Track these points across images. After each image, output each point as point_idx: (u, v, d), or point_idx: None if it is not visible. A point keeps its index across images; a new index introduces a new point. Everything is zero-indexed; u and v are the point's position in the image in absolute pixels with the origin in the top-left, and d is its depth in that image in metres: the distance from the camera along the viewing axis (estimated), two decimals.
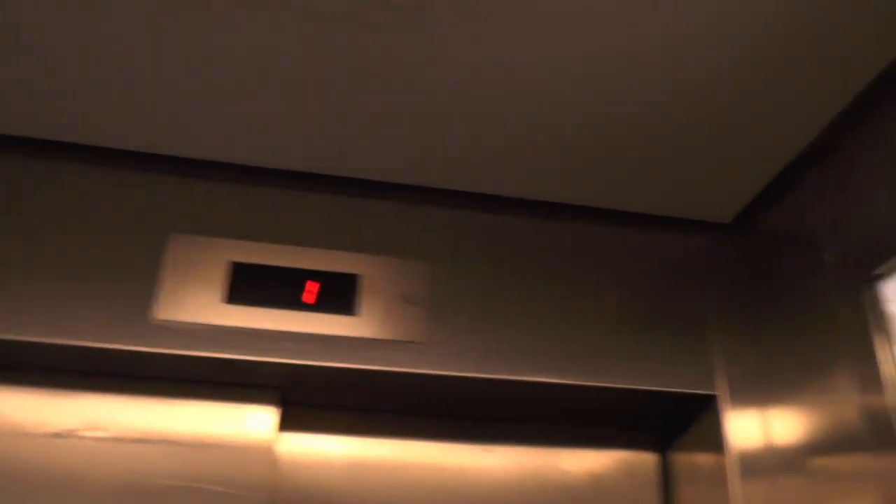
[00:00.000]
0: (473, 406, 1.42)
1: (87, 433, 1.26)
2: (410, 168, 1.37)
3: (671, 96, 1.17)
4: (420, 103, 1.20)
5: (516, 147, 1.30)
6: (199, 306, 1.25)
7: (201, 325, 1.23)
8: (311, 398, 1.38)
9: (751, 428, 1.31)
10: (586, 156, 1.32)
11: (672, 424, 1.46)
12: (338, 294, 1.30)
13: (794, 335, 1.29)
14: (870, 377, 1.10)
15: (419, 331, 1.30)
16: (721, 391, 1.34)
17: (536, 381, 1.30)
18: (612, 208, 1.48)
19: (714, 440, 1.32)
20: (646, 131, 1.25)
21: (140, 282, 1.25)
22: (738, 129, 1.24)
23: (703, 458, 1.36)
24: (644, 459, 1.49)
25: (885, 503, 1.05)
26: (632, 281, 1.43)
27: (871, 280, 1.12)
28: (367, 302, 1.31)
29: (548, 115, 1.22)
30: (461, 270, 1.38)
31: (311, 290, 1.30)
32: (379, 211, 1.41)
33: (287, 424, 1.38)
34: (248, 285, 1.28)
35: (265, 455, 1.29)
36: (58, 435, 1.25)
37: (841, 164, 1.24)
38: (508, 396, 1.37)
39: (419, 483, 1.40)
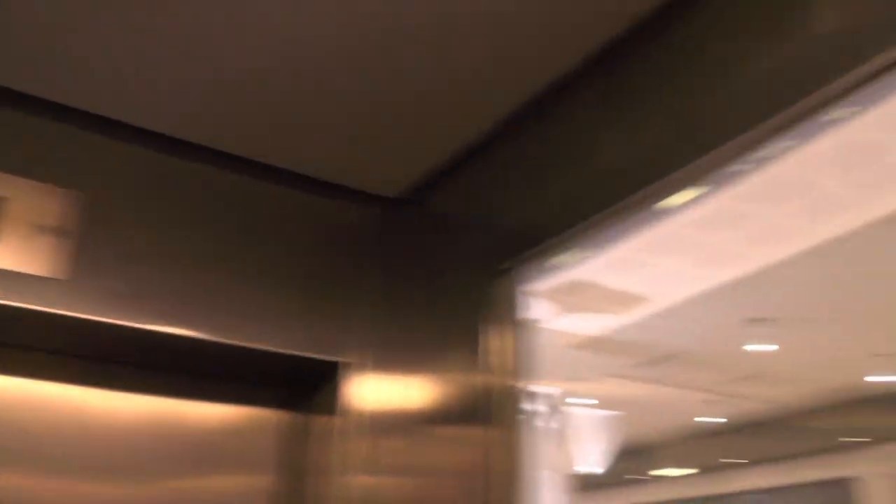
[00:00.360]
0: (113, 351, 1.36)
1: None
2: (76, 89, 1.25)
3: (347, 66, 1.21)
4: (103, 23, 1.09)
5: (191, 90, 1.25)
6: None
7: None
8: None
9: (375, 394, 1.45)
10: (261, 111, 1.32)
11: (303, 386, 1.54)
12: None
13: (428, 314, 1.44)
14: (483, 360, 1.28)
15: (60, 266, 1.20)
16: (352, 359, 1.45)
17: (177, 334, 1.29)
18: (282, 167, 1.49)
19: (339, 404, 1.43)
20: (326, 100, 1.29)
21: None
22: (409, 113, 1.33)
23: (327, 420, 1.47)
24: (272, 417, 1.55)
25: (472, 467, 1.24)
26: (288, 244, 1.47)
27: (501, 272, 1.30)
28: (4, 228, 1.17)
29: (224, 64, 1.20)
30: (118, 207, 1.29)
31: None
32: (31, 128, 1.26)
33: None
34: None
35: None
36: None
37: (500, 161, 1.39)
38: (150, 345, 1.33)
39: (52, 424, 1.32)
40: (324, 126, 1.37)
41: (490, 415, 1.23)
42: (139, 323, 1.25)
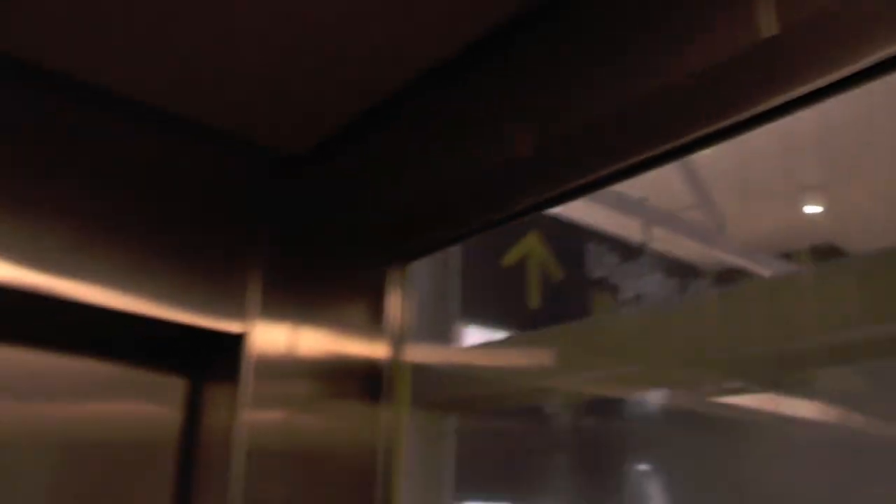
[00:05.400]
0: None
1: None
2: None
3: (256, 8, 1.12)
4: None
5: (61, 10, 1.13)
6: None
7: None
8: None
9: (269, 364, 1.38)
10: (152, 45, 1.20)
11: (197, 355, 1.46)
12: None
13: (325, 282, 1.39)
14: (377, 331, 1.24)
15: None
16: (249, 328, 1.38)
17: (44, 294, 1.19)
18: (176, 113, 1.37)
19: (234, 373, 1.36)
20: (228, 44, 1.19)
21: None
22: (315, 67, 1.25)
23: (225, 389, 1.40)
24: (166, 381, 1.46)
25: (364, 443, 1.20)
26: (181, 199, 1.37)
27: (398, 242, 1.25)
28: None
29: None
30: None
31: None
32: None
33: None
34: None
35: None
36: None
37: (405, 126, 1.32)
38: (14, 299, 1.22)
39: None
40: (224, 70, 1.26)
41: (382, 387, 1.20)
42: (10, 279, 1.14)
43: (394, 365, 1.18)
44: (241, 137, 1.45)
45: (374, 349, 1.21)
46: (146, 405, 1.43)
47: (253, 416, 1.32)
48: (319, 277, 1.41)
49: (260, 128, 1.44)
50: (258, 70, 1.25)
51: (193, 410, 1.43)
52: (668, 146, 0.91)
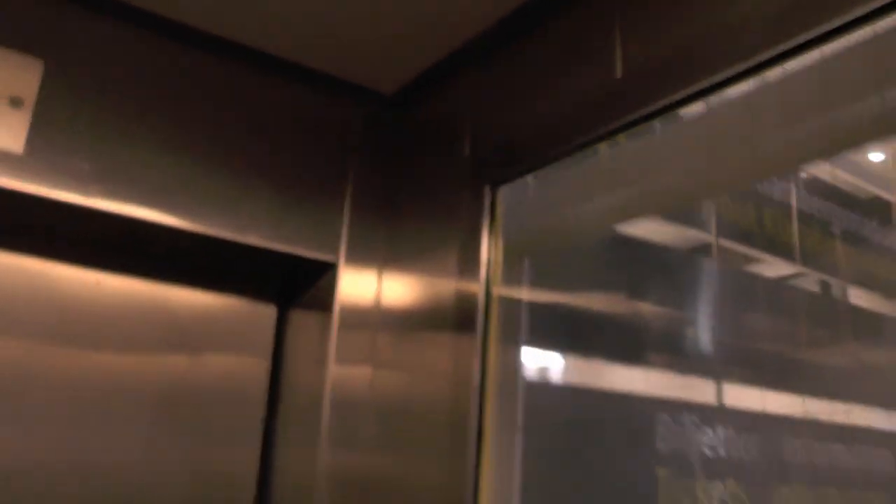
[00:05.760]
0: (82, 232, 1.28)
1: None
2: None
3: None
4: None
5: None
6: None
7: None
8: None
9: (362, 294, 1.38)
10: None
11: (292, 283, 1.48)
12: None
13: (421, 218, 1.36)
14: (470, 269, 1.21)
15: (18, 140, 1.10)
16: (341, 259, 1.38)
17: (145, 220, 1.21)
18: (269, 53, 1.38)
19: (327, 301, 1.37)
20: None
21: None
22: (408, 7, 1.22)
23: (315, 316, 1.41)
24: (262, 311, 1.49)
25: (451, 374, 1.18)
26: (278, 136, 1.38)
27: (493, 182, 1.22)
28: None
29: None
30: (84, 81, 1.19)
31: None
32: None
33: None
34: None
35: None
36: None
37: (503, 66, 1.28)
38: (119, 229, 1.25)
39: (17, 304, 1.25)
40: (316, 13, 1.25)
41: (474, 322, 1.17)
42: (101, 204, 1.16)
43: (487, 298, 1.15)
44: (338, 79, 1.45)
45: (470, 287, 1.18)
46: (240, 333, 1.46)
47: (352, 342, 1.33)
48: (410, 211, 1.39)
49: (356, 69, 1.42)
50: (354, 11, 1.22)
51: (282, 337, 1.47)
52: (750, 65, 0.86)
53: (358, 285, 1.38)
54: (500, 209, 1.20)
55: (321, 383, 1.30)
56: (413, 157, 1.44)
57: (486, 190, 1.20)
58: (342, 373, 1.31)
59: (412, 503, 1.19)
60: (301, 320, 1.45)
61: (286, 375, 1.44)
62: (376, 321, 1.36)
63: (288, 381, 1.43)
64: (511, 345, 1.22)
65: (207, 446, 1.37)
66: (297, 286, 1.46)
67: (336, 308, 1.34)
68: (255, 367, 1.44)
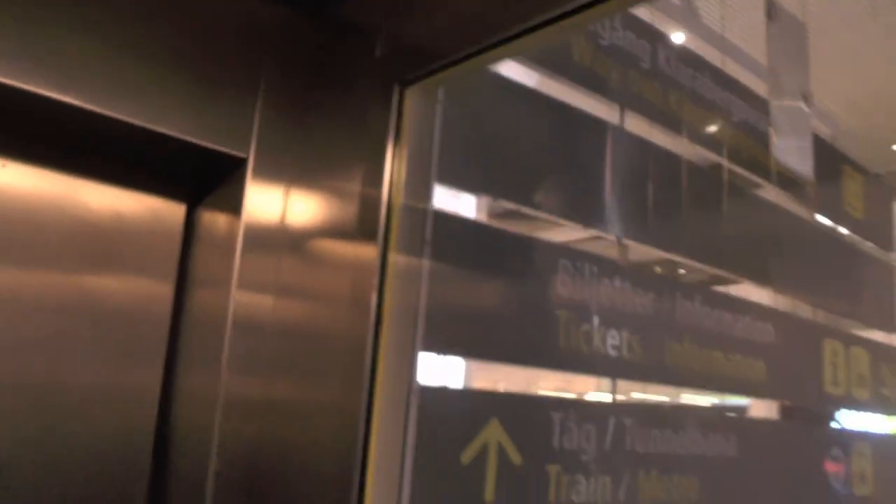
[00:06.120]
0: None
1: None
2: None
3: None
4: None
5: None
6: None
7: None
8: None
9: (269, 201, 1.33)
10: None
11: (202, 180, 1.42)
12: None
13: (331, 123, 1.30)
14: (373, 176, 1.15)
15: None
16: (252, 156, 1.32)
17: (64, 102, 1.15)
18: None
19: (235, 203, 1.32)
20: None
21: None
22: None
23: (222, 220, 1.36)
24: (170, 209, 1.44)
25: (353, 284, 1.14)
26: (196, 27, 1.30)
27: (401, 82, 1.14)
28: None
29: None
30: None
31: None
32: None
33: None
34: None
35: None
36: None
37: None
38: (41, 112, 1.20)
39: None
40: None
41: (375, 235, 1.12)
42: (25, 84, 1.11)
43: (388, 210, 1.10)
44: None
45: (369, 191, 1.12)
46: (149, 235, 1.40)
47: (258, 261, 1.28)
48: (322, 113, 1.31)
49: None
50: None
51: (189, 248, 1.42)
52: None
53: (266, 195, 1.33)
54: (408, 111, 1.13)
55: (225, 306, 1.27)
56: (328, 59, 1.36)
57: (395, 90, 1.13)
58: (245, 298, 1.28)
59: (309, 424, 1.19)
60: (210, 226, 1.40)
61: (191, 295, 1.40)
62: (282, 241, 1.32)
63: (192, 301, 1.39)
64: (415, 257, 1.17)
65: (109, 365, 1.34)
66: (208, 183, 1.40)
67: (244, 214, 1.29)
68: (161, 282, 1.40)
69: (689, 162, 2.05)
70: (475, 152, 1.46)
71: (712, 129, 2.24)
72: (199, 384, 1.31)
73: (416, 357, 1.17)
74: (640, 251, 1.98)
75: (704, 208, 2.11)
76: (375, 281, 1.10)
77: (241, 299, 1.27)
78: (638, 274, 1.81)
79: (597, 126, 1.79)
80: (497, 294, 1.48)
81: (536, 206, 1.61)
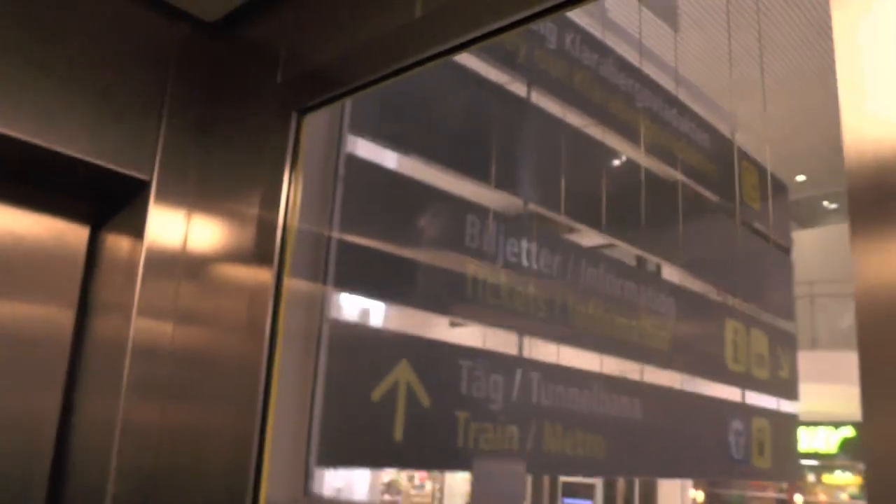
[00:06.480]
0: None
1: None
2: None
3: None
4: None
5: None
6: None
7: None
8: None
9: (171, 225, 1.33)
10: None
11: (106, 202, 1.41)
12: None
13: (232, 146, 1.30)
14: (270, 200, 1.16)
15: None
16: (155, 179, 1.32)
17: None
18: None
19: (138, 227, 1.31)
20: None
21: None
22: None
23: (125, 243, 1.35)
24: (74, 232, 1.42)
25: (248, 308, 1.15)
26: (100, 48, 1.30)
27: (299, 109, 1.16)
28: None
29: None
30: None
31: None
32: None
33: None
34: None
35: None
36: None
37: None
38: None
39: None
40: None
41: (271, 259, 1.13)
42: None
43: (283, 233, 1.11)
44: (164, 3, 1.36)
45: (266, 215, 1.13)
46: (51, 259, 1.38)
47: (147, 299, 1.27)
48: (223, 136, 1.32)
49: None
50: None
51: (90, 276, 1.40)
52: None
53: (168, 218, 1.33)
54: (304, 137, 1.15)
55: (125, 331, 1.27)
56: (231, 83, 1.37)
57: (293, 117, 1.15)
58: (146, 323, 1.28)
59: (205, 446, 1.18)
60: (113, 249, 1.39)
61: (92, 320, 1.38)
62: (183, 266, 1.32)
63: (93, 326, 1.38)
64: (313, 282, 1.18)
65: (6, 388, 1.32)
66: (112, 206, 1.39)
67: (146, 237, 1.29)
68: (62, 306, 1.38)
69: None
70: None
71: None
72: (98, 408, 1.30)
73: (317, 382, 1.18)
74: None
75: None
76: (270, 304, 1.11)
77: (142, 325, 1.27)
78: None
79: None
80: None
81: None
